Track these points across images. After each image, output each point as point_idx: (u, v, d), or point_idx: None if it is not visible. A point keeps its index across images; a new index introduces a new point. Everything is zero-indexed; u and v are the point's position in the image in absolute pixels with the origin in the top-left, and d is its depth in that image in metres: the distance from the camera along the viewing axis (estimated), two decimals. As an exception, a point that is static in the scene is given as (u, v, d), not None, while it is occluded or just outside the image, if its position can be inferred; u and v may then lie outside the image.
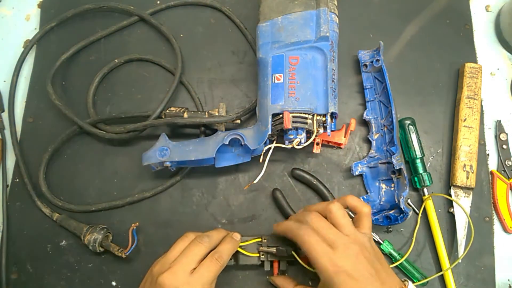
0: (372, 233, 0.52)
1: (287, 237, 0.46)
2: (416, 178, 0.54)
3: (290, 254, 0.48)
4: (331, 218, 0.43)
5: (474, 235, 0.52)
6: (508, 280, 0.53)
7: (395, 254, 0.51)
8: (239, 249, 0.48)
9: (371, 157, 0.55)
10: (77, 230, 0.51)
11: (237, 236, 0.48)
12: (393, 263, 0.51)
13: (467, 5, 0.63)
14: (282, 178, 0.55)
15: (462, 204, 0.53)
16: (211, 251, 0.44)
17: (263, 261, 0.48)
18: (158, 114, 0.53)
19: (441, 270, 0.52)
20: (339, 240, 0.41)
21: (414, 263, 0.52)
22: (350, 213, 0.48)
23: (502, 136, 0.57)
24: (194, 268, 0.42)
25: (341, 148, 0.56)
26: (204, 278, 0.41)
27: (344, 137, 0.53)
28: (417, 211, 0.53)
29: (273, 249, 0.48)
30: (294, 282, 0.48)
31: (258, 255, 0.48)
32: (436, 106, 0.58)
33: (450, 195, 0.53)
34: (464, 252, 0.50)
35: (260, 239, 0.49)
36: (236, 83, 0.59)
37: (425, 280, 0.50)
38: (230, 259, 0.48)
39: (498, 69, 0.61)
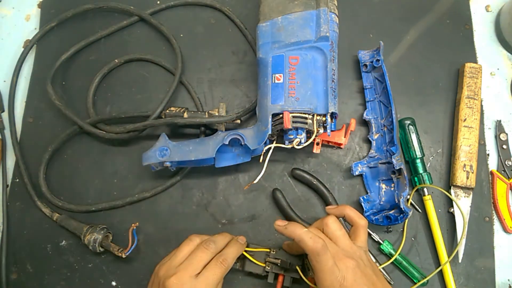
0: (372, 232, 0.52)
1: (295, 250, 0.46)
2: (416, 178, 0.54)
3: (294, 269, 0.47)
4: (327, 231, 0.43)
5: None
6: (508, 280, 0.53)
7: (394, 254, 0.51)
8: (246, 255, 0.48)
9: (371, 157, 0.55)
10: (77, 230, 0.51)
11: (242, 239, 0.48)
12: (392, 262, 0.51)
13: (467, 5, 0.63)
14: (282, 178, 0.55)
15: (462, 204, 0.53)
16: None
17: (268, 272, 0.48)
18: (158, 114, 0.53)
19: (441, 271, 0.52)
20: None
21: (413, 263, 0.52)
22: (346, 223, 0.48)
23: (502, 136, 0.57)
24: (200, 272, 0.42)
25: (341, 148, 0.56)
26: (209, 281, 0.42)
27: (344, 137, 0.53)
28: (418, 210, 0.53)
29: (278, 261, 0.47)
30: None
31: (264, 265, 0.48)
32: (436, 106, 0.58)
33: (449, 194, 0.53)
34: (459, 241, 0.50)
35: (268, 250, 0.48)
36: (236, 83, 0.59)
37: (425, 280, 0.50)
38: (236, 263, 0.47)
39: (498, 69, 0.61)
